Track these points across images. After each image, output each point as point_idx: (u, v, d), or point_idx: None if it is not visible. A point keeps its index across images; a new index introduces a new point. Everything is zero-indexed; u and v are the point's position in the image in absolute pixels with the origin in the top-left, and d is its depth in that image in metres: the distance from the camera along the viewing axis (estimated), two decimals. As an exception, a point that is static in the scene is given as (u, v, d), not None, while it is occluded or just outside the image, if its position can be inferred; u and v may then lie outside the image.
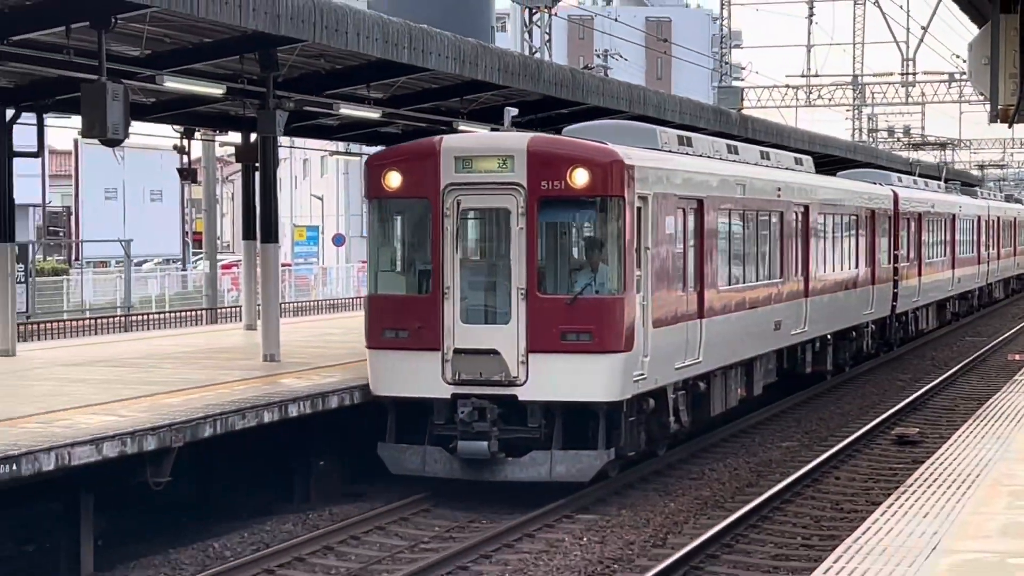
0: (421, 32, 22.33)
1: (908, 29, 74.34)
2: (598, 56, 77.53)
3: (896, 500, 13.93)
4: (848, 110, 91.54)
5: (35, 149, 24.43)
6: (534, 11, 44.04)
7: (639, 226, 19.54)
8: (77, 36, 17.90)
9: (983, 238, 54.37)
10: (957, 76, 72.55)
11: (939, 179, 53.96)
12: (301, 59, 21.61)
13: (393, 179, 19.29)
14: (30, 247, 40.68)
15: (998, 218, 59.92)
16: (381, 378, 19.48)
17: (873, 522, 12.90)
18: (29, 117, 23.78)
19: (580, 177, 18.61)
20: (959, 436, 18.35)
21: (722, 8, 77.33)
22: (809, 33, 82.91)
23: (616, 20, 69.54)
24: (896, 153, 71.46)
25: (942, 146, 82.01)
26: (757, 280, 25.82)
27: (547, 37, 44.13)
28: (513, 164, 18.88)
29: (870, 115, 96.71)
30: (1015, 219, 65.74)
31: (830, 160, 45.26)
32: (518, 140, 19.49)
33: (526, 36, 44.25)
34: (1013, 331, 48.04)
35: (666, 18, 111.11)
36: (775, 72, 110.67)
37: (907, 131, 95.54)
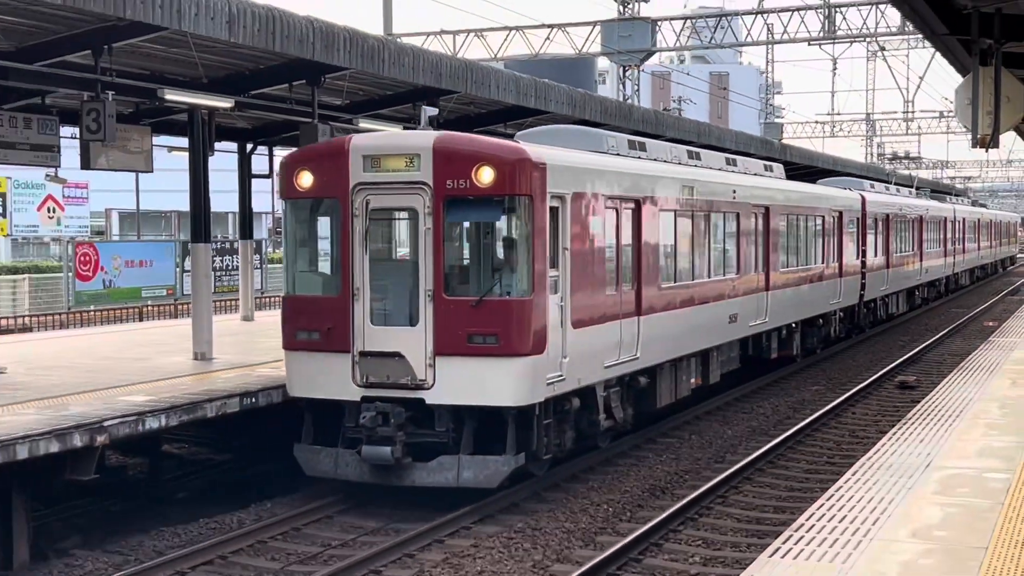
0: (544, 85, 22.41)
1: (908, 78, 73.49)
2: (674, 101, 77.01)
3: (898, 430, 13.79)
4: (862, 140, 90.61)
5: (267, 172, 24.96)
6: (626, 68, 43.88)
7: (556, 226, 14.81)
8: (297, 90, 18.18)
9: (949, 235, 49.96)
10: (946, 113, 71.83)
11: (911, 187, 49.26)
12: (457, 105, 21.72)
13: (305, 179, 14.88)
14: (263, 243, 41.38)
15: (963, 219, 55.70)
16: (296, 379, 14.99)
17: (881, 446, 12.78)
18: (262, 149, 24.48)
19: (486, 175, 13.99)
20: (947, 382, 18.10)
21: (767, 64, 76.80)
22: (833, 82, 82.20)
23: (687, 75, 68.88)
24: (880, 167, 64.64)
25: (934, 165, 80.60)
26: (709, 277, 20.55)
27: (636, 88, 43.86)
28: (419, 163, 14.25)
29: (879, 143, 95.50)
30: (978, 220, 61.75)
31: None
32: (424, 138, 14.52)
33: (620, 87, 44.04)
34: (987, 304, 46.91)
35: (725, 72, 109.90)
36: (807, 111, 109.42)
37: (907, 155, 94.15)
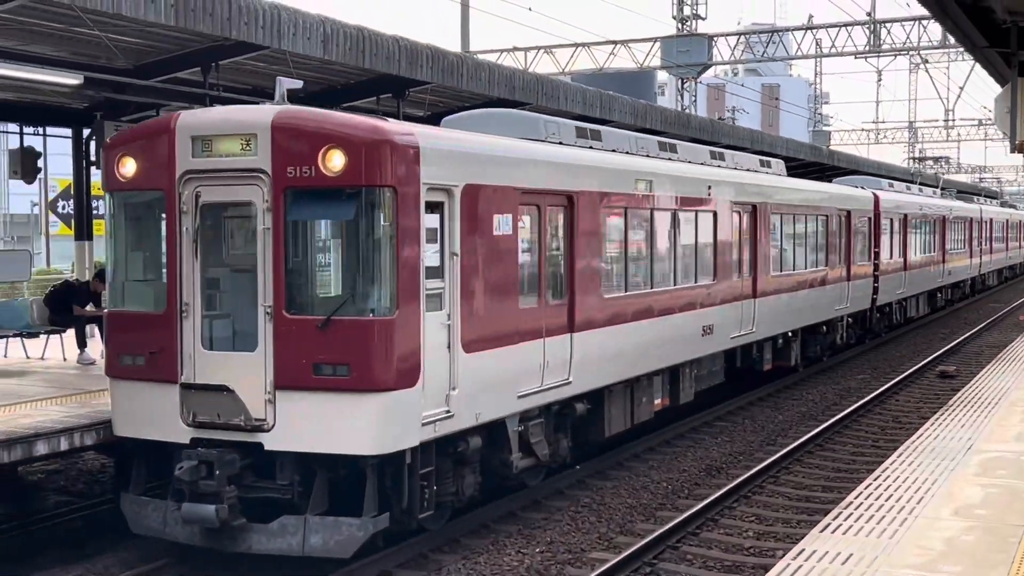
0: (608, 96, 22.37)
1: (948, 88, 72.20)
2: (728, 111, 76.37)
3: (940, 416, 13.58)
4: (905, 146, 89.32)
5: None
6: (684, 81, 43.61)
7: (442, 226, 10.83)
8: (384, 103, 18.31)
9: (975, 235, 45.12)
10: (984, 121, 70.47)
11: (935, 187, 44.44)
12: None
13: (127, 166, 10.88)
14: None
15: (991, 219, 50.73)
16: (120, 415, 11.03)
17: (924, 431, 12.61)
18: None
19: (335, 160, 10.07)
20: (985, 372, 17.80)
21: (815, 76, 75.90)
22: (877, 92, 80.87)
23: (741, 86, 68.26)
24: (905, 168, 57.56)
25: (973, 170, 79.17)
26: (675, 284, 16.24)
27: (693, 99, 43.58)
28: (256, 145, 10.29)
29: (920, 149, 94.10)
30: (1007, 220, 56.68)
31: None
32: (262, 114, 10.51)
33: (679, 98, 43.79)
34: (1020, 301, 45.96)
35: (776, 84, 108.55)
36: (853, 120, 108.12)
37: (947, 161, 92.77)
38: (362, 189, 10.19)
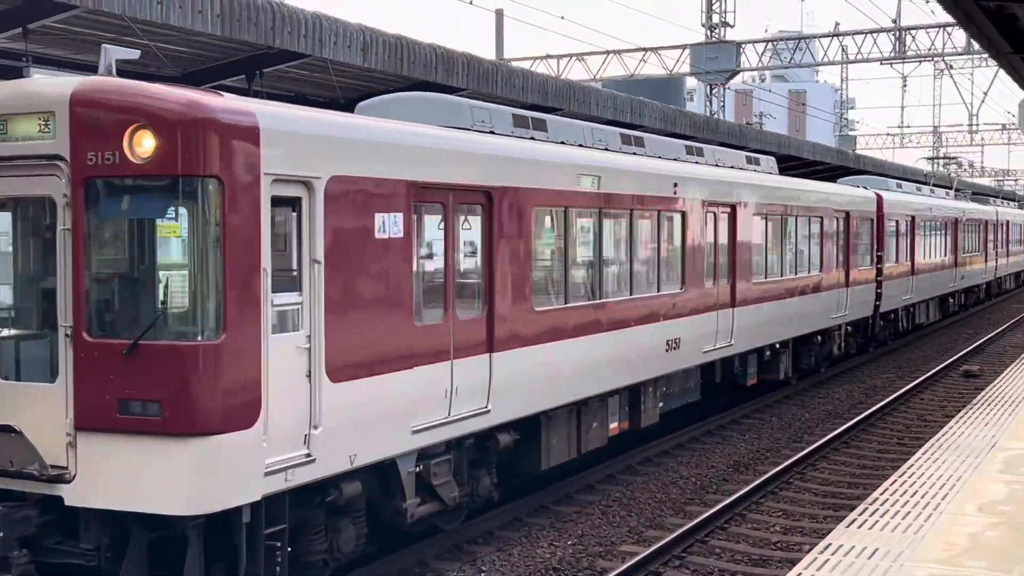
0: (638, 102, 22.31)
1: (972, 93, 71.52)
2: (755, 116, 75.95)
3: (964, 414, 13.44)
4: (929, 151, 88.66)
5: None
6: (713, 87, 43.42)
7: (301, 227, 8.62)
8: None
9: (991, 238, 42.32)
10: (1008, 125, 69.73)
11: (949, 188, 41.21)
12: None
13: None
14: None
15: (1007, 221, 47.52)
16: None
17: (948, 429, 12.48)
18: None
19: (145, 143, 7.78)
20: (1009, 371, 17.59)
21: (841, 82, 75.44)
22: (902, 98, 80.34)
23: (769, 91, 67.94)
24: (917, 169, 51.48)
25: (997, 173, 78.27)
26: (631, 294, 13.73)
27: (721, 104, 43.39)
28: (55, 125, 8.01)
29: (944, 153, 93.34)
30: None
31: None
32: (62, 87, 8.15)
33: (707, 103, 43.62)
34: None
35: (803, 89, 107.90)
36: (878, 125, 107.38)
37: (971, 164, 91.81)
38: (178, 180, 7.84)
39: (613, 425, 13.60)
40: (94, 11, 11.02)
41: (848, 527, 8.47)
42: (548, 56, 44.39)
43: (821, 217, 21.46)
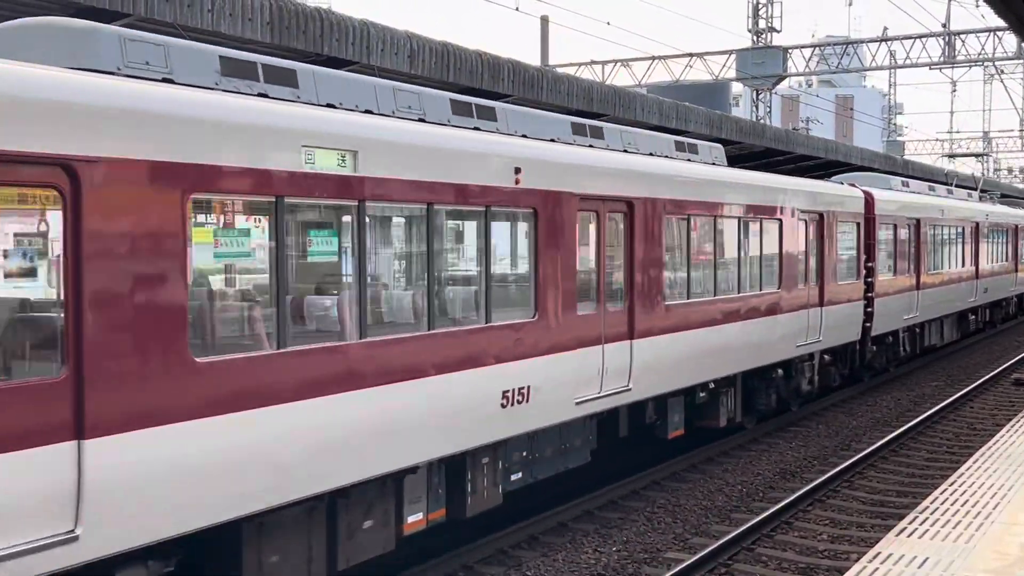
0: (683, 107, 22.24)
1: (1024, 98, 70.43)
2: (802, 122, 75.44)
3: (1015, 423, 13.24)
4: (979, 156, 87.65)
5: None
6: (759, 92, 43.19)
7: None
8: (466, 115, 18.42)
9: (1017, 246, 36.57)
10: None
11: (973, 188, 35.88)
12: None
13: None
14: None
15: None
16: None
17: (999, 437, 12.30)
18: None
19: None
20: (1062, 380, 17.30)
21: (890, 87, 74.66)
22: (952, 103, 79.40)
23: (816, 96, 67.43)
24: (935, 167, 43.62)
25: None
26: (430, 329, 9.47)
27: (768, 109, 43.13)
28: None
29: (995, 158, 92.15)
30: None
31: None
32: None
33: (753, 108, 43.38)
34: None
35: (850, 95, 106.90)
36: (927, 130, 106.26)
37: (1022, 170, 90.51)
38: None
39: (415, 518, 9.78)
40: (146, 18, 11.18)
41: (898, 536, 8.37)
42: (593, 62, 44.38)
43: (780, 221, 16.72)
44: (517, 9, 29.37)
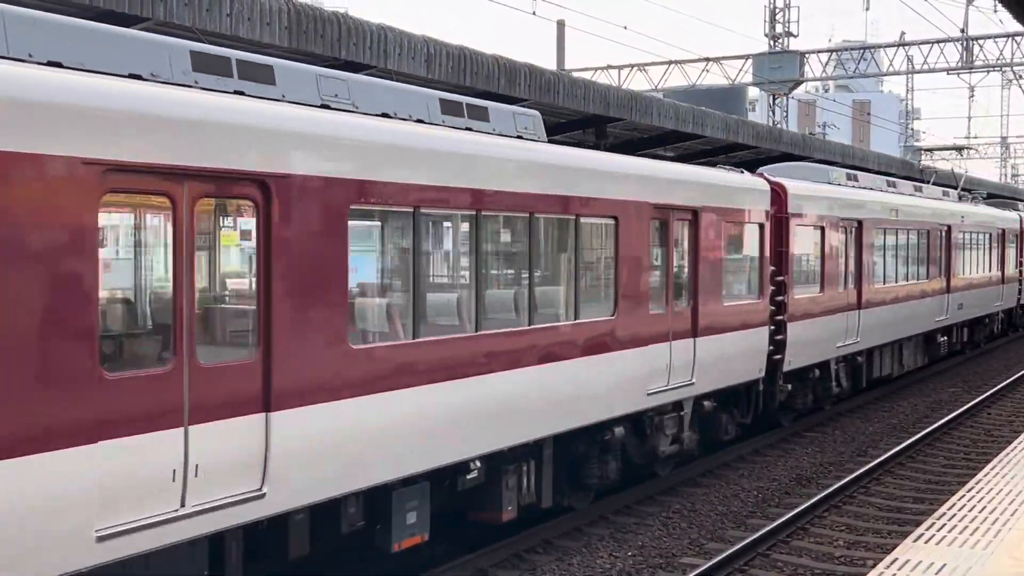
0: (701, 112, 22.21)
1: (1042, 103, 70.25)
2: (819, 127, 75.29)
3: (1034, 429, 13.16)
4: (997, 161, 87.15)
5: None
6: (776, 97, 43.13)
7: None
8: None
9: (1007, 253, 31.57)
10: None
11: (954, 187, 30.20)
12: (622, 131, 21.69)
13: None
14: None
15: None
16: None
17: (1017, 444, 12.23)
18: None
19: None
20: (1081, 387, 17.20)
21: (907, 92, 74.49)
22: (969, 108, 79.14)
23: (833, 101, 67.31)
24: (911, 162, 37.35)
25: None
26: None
27: (784, 114, 43.07)
28: None
29: (1012, 164, 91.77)
30: None
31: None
32: None
33: (770, 113, 43.32)
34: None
35: (867, 100, 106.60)
36: (945, 135, 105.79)
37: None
38: None
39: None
40: (166, 23, 11.25)
41: (915, 542, 8.34)
42: (609, 66, 44.39)
43: (615, 218, 12.02)
44: (534, 13, 29.43)
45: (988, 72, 57.90)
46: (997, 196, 40.20)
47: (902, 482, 15.03)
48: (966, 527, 8.71)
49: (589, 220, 11.74)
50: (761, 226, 15.70)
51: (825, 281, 18.17)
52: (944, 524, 8.81)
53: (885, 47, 43.36)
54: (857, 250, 19.55)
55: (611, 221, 12.05)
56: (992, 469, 10.85)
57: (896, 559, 7.85)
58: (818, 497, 13.42)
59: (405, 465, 9.10)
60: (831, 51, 44.13)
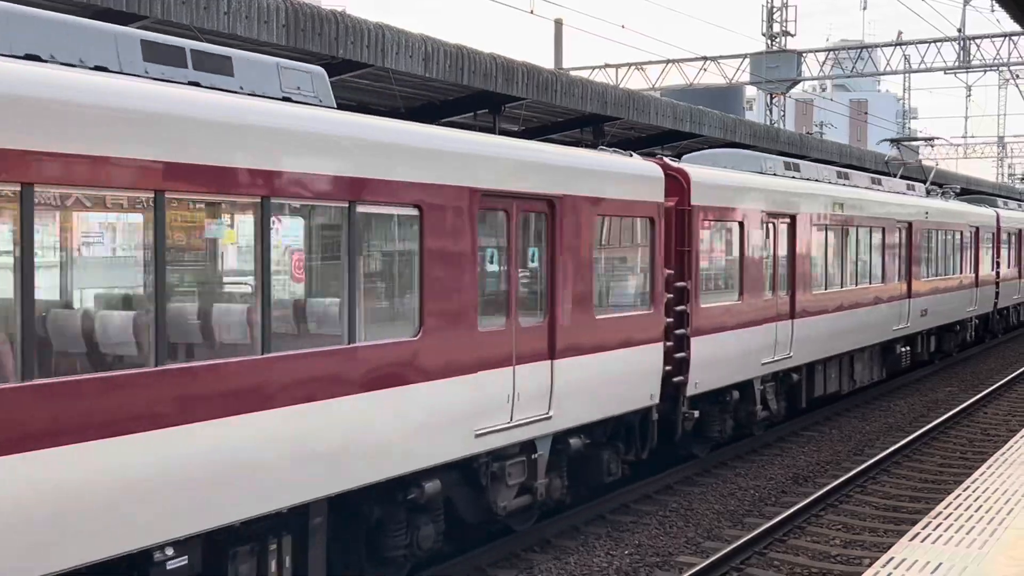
0: (697, 111, 22.22)
1: (1039, 103, 70.42)
2: (816, 126, 75.36)
3: (1031, 428, 13.17)
4: (994, 160, 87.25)
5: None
6: (773, 96, 43.14)
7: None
8: (480, 118, 18.47)
9: (991, 252, 29.22)
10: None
11: (923, 181, 27.62)
12: (619, 130, 21.69)
13: None
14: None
15: (1020, 230, 32.91)
16: None
17: (1013, 443, 12.26)
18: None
19: None
20: (1077, 386, 17.21)
21: (904, 91, 74.56)
22: (966, 107, 79.19)
23: (831, 100, 67.33)
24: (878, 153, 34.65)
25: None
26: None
27: (782, 113, 43.08)
28: None
29: (1010, 164, 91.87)
30: None
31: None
32: None
33: (767, 112, 43.34)
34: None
35: (864, 99, 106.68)
36: (942, 134, 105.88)
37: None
38: None
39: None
40: (163, 21, 11.24)
41: (911, 541, 8.35)
42: (607, 65, 44.41)
43: (420, 207, 9.31)
44: (532, 12, 29.41)
45: (985, 72, 57.99)
46: (973, 192, 37.60)
47: (899, 481, 15.04)
48: (962, 526, 8.72)
49: (372, 210, 8.80)
50: (652, 221, 12.92)
51: (745, 287, 15.27)
52: (940, 523, 8.82)
53: (882, 47, 43.38)
54: (790, 250, 16.70)
55: (413, 211, 9.20)
56: (988, 468, 10.86)
57: (892, 558, 7.86)
58: (815, 496, 13.42)
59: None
60: (828, 50, 44.16)
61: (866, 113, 79.80)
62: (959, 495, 9.77)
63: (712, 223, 14.73)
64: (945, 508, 9.31)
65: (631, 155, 13.24)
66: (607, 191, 12.04)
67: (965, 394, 22.71)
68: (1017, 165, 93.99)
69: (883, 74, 43.53)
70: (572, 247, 11.36)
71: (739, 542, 11.40)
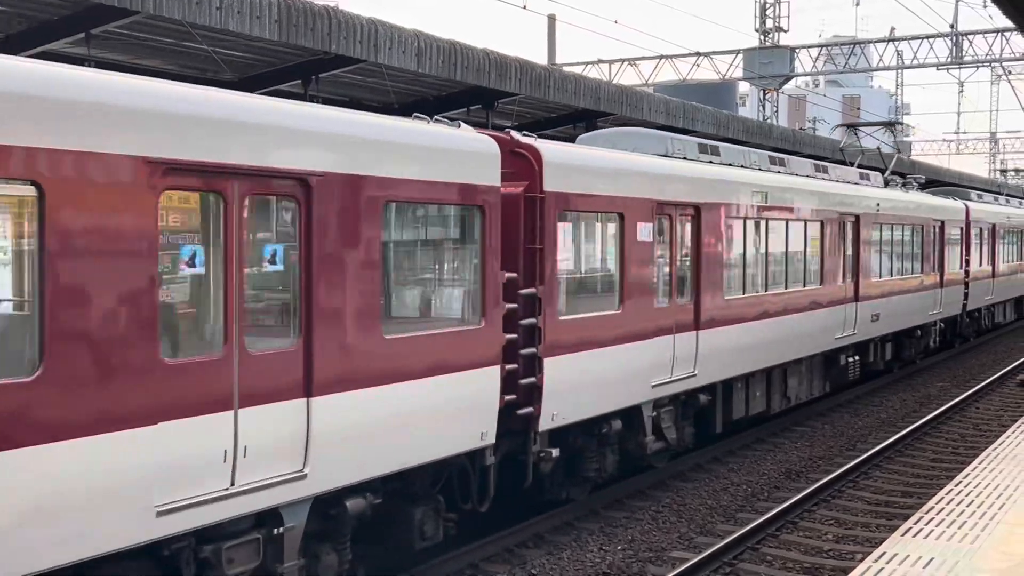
0: (690, 107, 22.27)
1: (1031, 99, 70.48)
2: (809, 122, 75.47)
3: (1021, 424, 13.23)
4: (986, 156, 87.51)
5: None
6: (766, 92, 43.18)
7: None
8: (474, 114, 18.46)
9: (948, 250, 25.44)
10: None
11: (882, 171, 24.33)
12: (612, 126, 21.71)
13: None
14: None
15: (993, 225, 30.06)
16: None
17: (1004, 438, 12.30)
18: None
19: None
20: (1068, 381, 17.27)
21: (896, 87, 74.77)
22: (959, 103, 79.54)
23: (824, 95, 67.41)
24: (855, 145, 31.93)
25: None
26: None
27: (775, 109, 43.12)
28: None
29: (1002, 159, 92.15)
30: None
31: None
32: None
33: (760, 108, 43.36)
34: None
35: (857, 95, 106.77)
36: (934, 131, 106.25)
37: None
38: None
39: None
40: (155, 16, 11.21)
41: (903, 536, 8.37)
42: (600, 61, 44.36)
43: (38, 184, 6.15)
44: (525, 7, 29.38)
45: (977, 68, 58.04)
46: (940, 183, 34.57)
47: (891, 476, 15.08)
48: (954, 521, 8.74)
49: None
50: (482, 210, 9.89)
51: (628, 293, 12.32)
52: (933, 518, 8.84)
53: (875, 42, 43.41)
54: (695, 248, 13.89)
55: (30, 190, 6.10)
56: (980, 463, 10.89)
57: (884, 553, 7.88)
58: (807, 491, 13.45)
59: None
60: (821, 46, 44.15)
61: (859, 109, 79.89)
62: (951, 490, 9.80)
63: (576, 214, 11.63)
64: (937, 503, 9.33)
65: (458, 124, 9.98)
66: (401, 170, 8.85)
67: (957, 389, 22.78)
68: (1009, 161, 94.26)
69: (876, 70, 43.55)
70: (340, 245, 8.21)
71: (731, 537, 11.42)
